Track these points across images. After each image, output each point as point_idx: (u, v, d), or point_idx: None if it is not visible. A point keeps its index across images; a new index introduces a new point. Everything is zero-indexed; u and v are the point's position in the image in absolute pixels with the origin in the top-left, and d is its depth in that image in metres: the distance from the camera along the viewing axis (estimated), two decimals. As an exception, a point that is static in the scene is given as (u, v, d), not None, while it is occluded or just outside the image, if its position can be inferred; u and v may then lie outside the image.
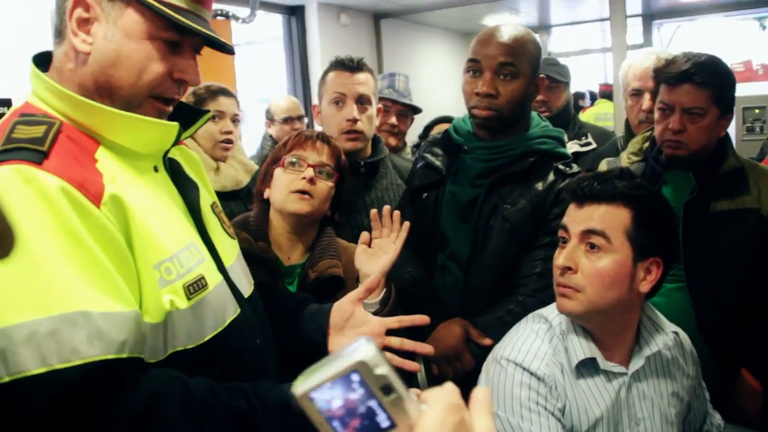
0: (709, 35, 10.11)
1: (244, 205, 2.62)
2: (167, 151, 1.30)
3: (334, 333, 1.53)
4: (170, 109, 1.24)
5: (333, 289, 1.83)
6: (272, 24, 6.73)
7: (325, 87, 2.39)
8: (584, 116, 9.17)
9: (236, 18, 5.79)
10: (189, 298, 1.17)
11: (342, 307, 1.54)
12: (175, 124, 1.22)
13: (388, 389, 0.62)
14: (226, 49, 1.28)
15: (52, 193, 1.01)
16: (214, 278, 1.25)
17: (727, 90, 2.09)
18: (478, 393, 0.70)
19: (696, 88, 2.02)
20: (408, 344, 1.52)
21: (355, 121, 2.29)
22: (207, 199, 1.41)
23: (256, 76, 7.11)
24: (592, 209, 1.54)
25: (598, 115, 7.95)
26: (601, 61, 12.11)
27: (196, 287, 1.19)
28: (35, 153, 1.04)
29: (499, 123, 1.98)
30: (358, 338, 0.63)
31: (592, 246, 1.51)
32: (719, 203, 2.07)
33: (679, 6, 9.06)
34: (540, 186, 1.96)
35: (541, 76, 2.04)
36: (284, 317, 1.59)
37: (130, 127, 1.17)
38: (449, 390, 0.67)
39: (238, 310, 1.30)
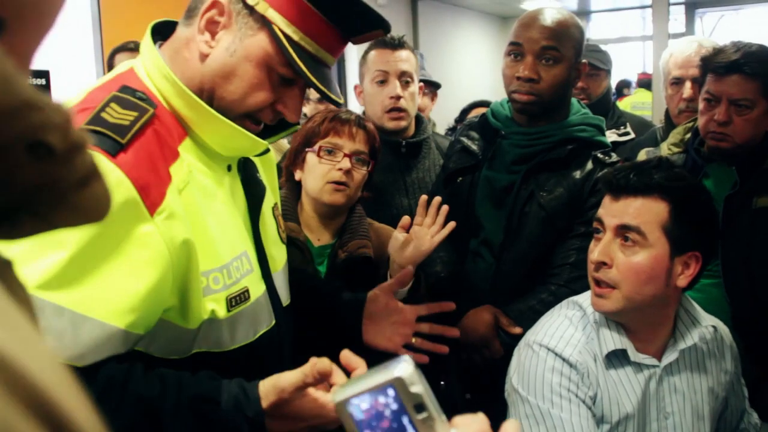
0: (754, 25, 9.89)
1: None
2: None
3: (368, 323, 1.56)
4: (258, 128, 1.24)
5: (363, 269, 1.82)
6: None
7: (366, 66, 2.38)
8: (621, 105, 9.08)
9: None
10: (229, 310, 1.17)
11: (376, 298, 1.57)
12: (264, 144, 1.22)
13: (420, 407, 0.66)
14: (334, 102, 1.27)
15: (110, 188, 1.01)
16: (257, 290, 1.25)
17: None
18: (508, 427, 0.72)
19: (745, 79, 1.97)
20: (437, 328, 1.56)
21: (398, 98, 2.29)
22: (270, 201, 1.41)
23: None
24: (628, 202, 1.49)
25: (635, 104, 7.83)
26: (640, 49, 11.93)
27: (238, 300, 1.19)
28: (113, 143, 1.02)
29: (539, 108, 1.95)
30: (399, 357, 0.68)
31: (628, 240, 1.47)
32: (761, 199, 2.02)
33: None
34: (578, 174, 1.93)
35: (583, 61, 2.00)
36: (319, 305, 1.60)
37: (223, 133, 1.17)
38: (480, 419, 0.69)
39: (273, 322, 1.30)
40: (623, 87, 10.54)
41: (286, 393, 1.07)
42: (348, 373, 1.08)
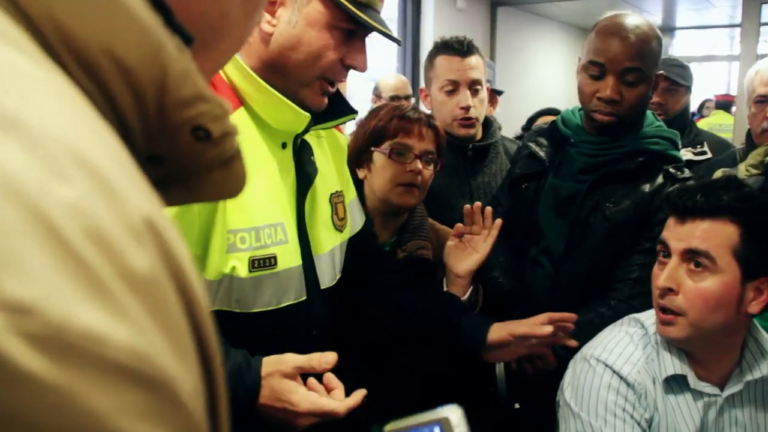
0: None
1: None
2: (302, 134, 1.35)
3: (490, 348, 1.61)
4: (334, 89, 1.32)
5: (421, 270, 1.80)
6: (387, 3, 6.73)
7: (434, 72, 2.33)
8: (698, 126, 8.81)
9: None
10: (250, 271, 1.20)
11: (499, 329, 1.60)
12: (307, 116, 1.28)
13: None
14: (395, 40, 1.36)
15: None
16: (289, 261, 1.28)
17: None
18: None
19: None
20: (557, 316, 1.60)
21: (469, 108, 2.25)
22: (329, 187, 1.45)
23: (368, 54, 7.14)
24: (695, 225, 1.41)
25: (712, 125, 7.58)
26: (724, 69, 11.58)
27: (262, 263, 1.22)
28: None
29: (619, 127, 1.89)
30: (448, 404, 0.76)
31: (697, 264, 1.39)
32: None
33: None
34: (647, 188, 1.86)
35: (659, 72, 1.91)
36: (438, 311, 1.64)
37: (270, 104, 1.25)
38: None
39: (303, 297, 1.31)
40: (703, 107, 10.25)
41: (286, 367, 1.15)
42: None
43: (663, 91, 3.04)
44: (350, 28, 1.25)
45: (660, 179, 1.87)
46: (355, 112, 1.44)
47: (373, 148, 1.84)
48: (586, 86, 1.89)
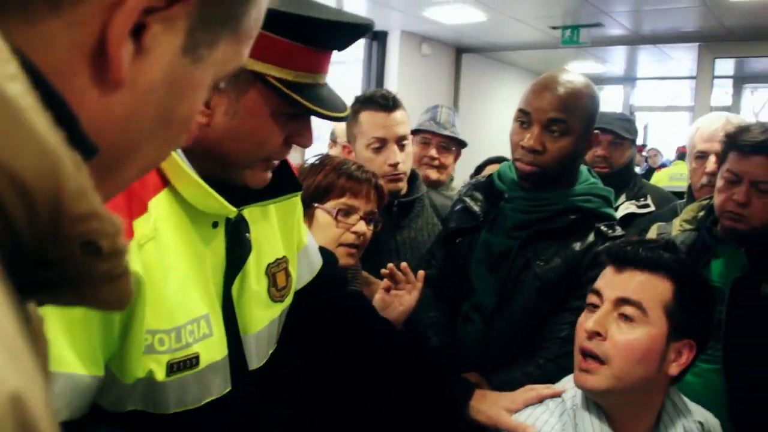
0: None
1: None
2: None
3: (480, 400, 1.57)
4: (276, 164, 1.25)
5: None
6: (354, 46, 6.81)
7: (359, 128, 2.27)
8: (659, 175, 9.01)
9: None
10: (168, 375, 1.12)
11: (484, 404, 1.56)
12: (233, 210, 1.20)
13: None
14: (340, 119, 1.28)
15: None
16: (213, 355, 1.20)
17: None
18: None
19: None
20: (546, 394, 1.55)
21: (397, 164, 2.22)
22: (267, 258, 1.37)
23: (332, 95, 7.19)
24: (632, 275, 1.42)
25: (673, 175, 7.74)
26: (686, 119, 11.84)
27: (181, 366, 1.14)
28: None
29: (541, 178, 1.89)
30: None
31: (627, 317, 1.40)
32: None
33: (775, 72, 8.77)
34: (578, 246, 1.87)
35: (595, 131, 1.94)
36: (424, 365, 1.61)
37: (195, 191, 1.15)
38: None
39: (228, 389, 1.25)
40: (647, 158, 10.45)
41: None
42: None
43: (608, 144, 3.09)
44: (294, 113, 1.19)
45: (591, 237, 1.87)
46: (300, 189, 1.38)
47: (316, 205, 1.80)
48: (514, 135, 1.91)
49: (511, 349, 1.88)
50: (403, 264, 1.77)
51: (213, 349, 1.20)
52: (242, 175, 1.21)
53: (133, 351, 1.08)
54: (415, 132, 3.00)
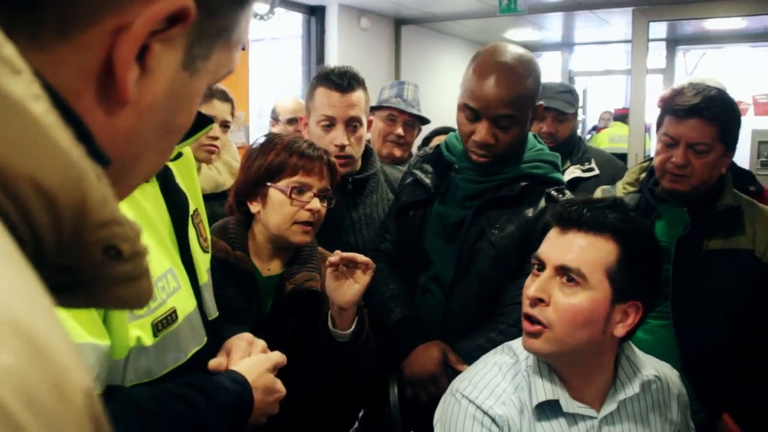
0: (735, 64, 10.02)
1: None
2: None
3: None
4: None
5: (310, 301, 1.79)
6: (291, 22, 6.72)
7: (313, 104, 2.25)
8: (599, 136, 9.19)
9: (255, 14, 5.78)
10: (155, 335, 1.11)
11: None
12: (174, 150, 1.16)
13: None
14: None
15: None
16: (186, 307, 1.20)
17: (734, 128, 2.04)
18: None
19: (704, 123, 1.97)
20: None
21: (343, 147, 2.19)
22: (190, 208, 1.34)
23: (272, 73, 7.11)
24: (576, 237, 1.42)
25: (613, 136, 7.92)
26: (622, 82, 12.05)
27: (164, 323, 1.13)
28: None
29: (494, 162, 1.92)
30: None
31: (569, 279, 1.39)
32: (712, 242, 2.02)
33: (706, 33, 8.98)
34: (530, 212, 1.90)
35: (540, 103, 1.95)
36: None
37: None
38: None
39: (204, 340, 1.25)
40: (600, 119, 10.65)
41: (269, 365, 1.32)
42: None
43: (552, 120, 3.15)
44: None
45: (542, 203, 1.91)
46: (212, 121, 1.27)
47: (269, 184, 1.80)
48: (463, 126, 1.91)
49: (472, 317, 1.91)
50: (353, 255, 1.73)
51: (185, 301, 1.20)
52: None
53: (119, 324, 1.06)
54: (380, 108, 3.00)
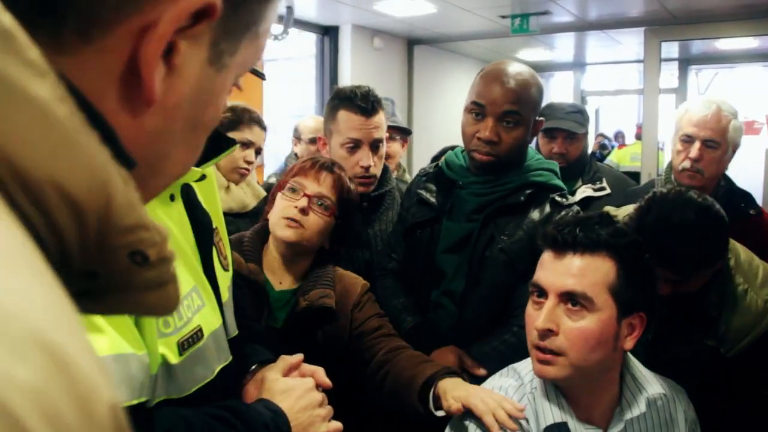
0: (747, 84, 10.02)
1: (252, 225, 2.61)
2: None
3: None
4: None
5: (323, 318, 1.80)
6: (305, 42, 6.80)
7: (336, 126, 2.29)
8: (620, 153, 9.22)
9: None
10: (181, 354, 1.11)
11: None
12: (198, 171, 1.17)
13: None
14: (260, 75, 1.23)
15: None
16: (211, 325, 1.20)
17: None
18: None
19: None
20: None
21: (368, 168, 2.24)
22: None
23: (286, 92, 7.17)
24: (573, 260, 1.40)
25: (634, 155, 7.93)
26: (634, 101, 12.07)
27: (190, 342, 1.13)
28: None
29: (497, 166, 1.98)
30: None
31: (574, 304, 1.38)
32: (680, 332, 1.93)
33: (718, 53, 8.99)
34: (536, 216, 1.95)
35: (539, 119, 2.02)
36: None
37: None
38: None
39: (229, 357, 1.26)
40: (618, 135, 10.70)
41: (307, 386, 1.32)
42: None
43: (563, 141, 3.16)
44: None
45: (548, 208, 1.97)
46: (235, 143, 1.27)
47: (278, 191, 1.89)
48: (468, 126, 1.98)
49: (485, 323, 1.94)
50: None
51: (210, 319, 1.20)
52: None
53: (150, 337, 1.06)
54: None
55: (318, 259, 1.91)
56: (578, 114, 3.28)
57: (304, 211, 1.81)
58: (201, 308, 1.18)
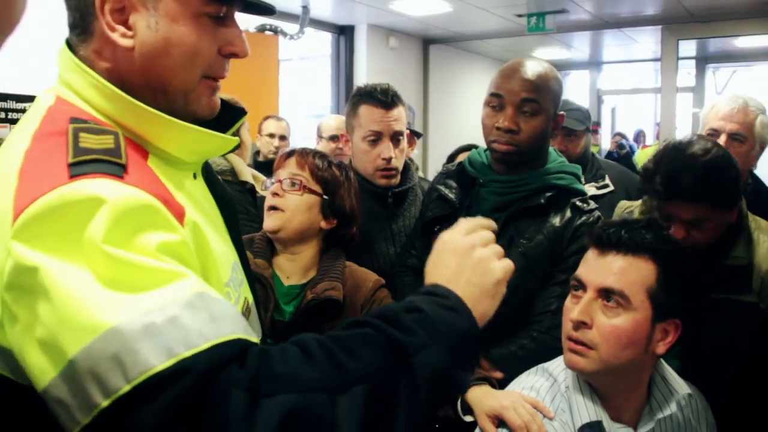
0: (765, 82, 9.93)
1: None
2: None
3: None
4: (219, 87, 1.14)
5: (331, 312, 1.81)
6: (320, 42, 6.82)
7: (357, 121, 2.35)
8: (643, 152, 9.16)
9: (284, 34, 5.86)
10: None
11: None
12: (236, 139, 1.14)
13: None
14: (269, 10, 1.17)
15: (144, 205, 0.89)
16: (251, 298, 1.19)
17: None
18: None
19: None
20: None
21: (390, 159, 2.29)
22: None
23: (301, 91, 7.19)
24: (615, 259, 1.43)
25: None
26: (654, 100, 12.00)
27: (246, 314, 1.12)
28: (115, 166, 0.90)
29: (518, 158, 1.96)
30: None
31: (611, 301, 1.41)
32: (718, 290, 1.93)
33: (736, 51, 8.93)
34: (557, 221, 1.93)
35: (561, 113, 2.02)
36: None
37: (189, 138, 1.06)
38: None
39: (262, 333, 1.26)
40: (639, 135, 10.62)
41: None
42: None
43: (563, 138, 3.16)
44: (217, 12, 1.06)
45: (568, 213, 1.94)
46: (245, 111, 1.26)
47: None
48: (487, 119, 1.97)
49: (504, 326, 1.92)
50: None
51: (248, 293, 1.20)
52: (187, 102, 1.08)
53: None
54: None
55: (327, 250, 1.94)
56: (577, 111, 3.29)
57: (277, 195, 1.87)
58: (242, 282, 1.18)
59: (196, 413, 0.78)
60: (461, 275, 1.02)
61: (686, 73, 9.14)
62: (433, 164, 6.88)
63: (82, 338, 0.78)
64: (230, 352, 0.83)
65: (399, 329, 0.88)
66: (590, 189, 3.02)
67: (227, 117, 1.20)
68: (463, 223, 1.09)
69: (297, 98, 7.32)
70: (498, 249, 1.07)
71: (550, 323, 1.87)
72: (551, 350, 1.66)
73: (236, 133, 1.24)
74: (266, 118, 4.48)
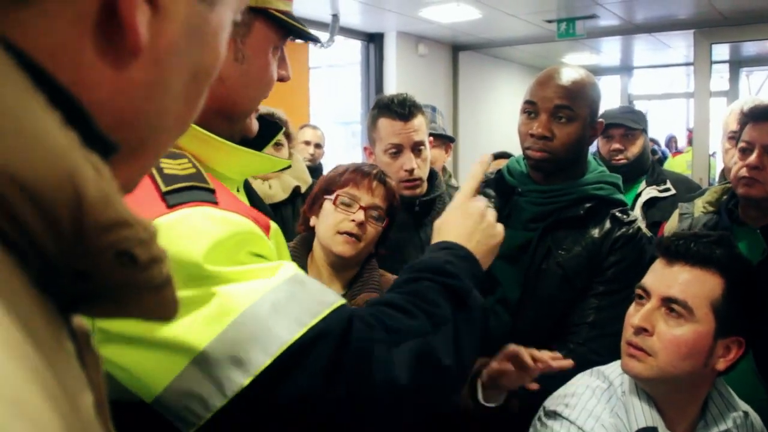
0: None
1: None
2: None
3: None
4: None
5: None
6: (350, 49, 6.84)
7: (377, 134, 2.36)
8: (674, 161, 9.04)
9: (315, 42, 5.89)
10: None
11: None
12: (288, 162, 1.22)
13: None
14: (316, 40, 1.24)
15: (245, 230, 0.95)
16: None
17: None
18: None
19: None
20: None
21: (413, 170, 2.30)
22: None
23: (331, 99, 7.23)
24: (682, 270, 1.43)
25: (690, 162, 7.75)
26: (686, 105, 11.86)
27: None
28: (206, 192, 0.94)
29: (553, 165, 1.94)
30: None
31: (673, 311, 1.41)
32: None
33: (770, 54, 8.79)
34: (596, 233, 1.91)
35: (600, 120, 1.99)
36: None
37: (245, 162, 1.09)
38: None
39: None
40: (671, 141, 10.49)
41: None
42: None
43: (621, 137, 3.22)
44: (284, 44, 1.11)
45: (608, 224, 1.92)
46: (280, 128, 1.29)
47: (325, 196, 1.87)
48: (523, 126, 1.96)
49: (539, 336, 1.90)
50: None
51: None
52: (244, 126, 1.12)
53: None
54: None
55: (363, 264, 1.92)
56: (631, 113, 3.38)
57: (361, 225, 1.82)
58: None
59: (340, 369, 0.89)
60: (473, 236, 1.23)
61: (719, 77, 9.03)
62: (463, 171, 6.86)
63: (214, 327, 0.85)
64: (348, 313, 0.95)
65: (450, 278, 1.08)
66: (652, 192, 3.13)
67: (264, 131, 1.22)
68: (469, 183, 1.36)
69: (327, 106, 7.35)
70: (494, 213, 1.31)
71: (587, 335, 1.86)
72: (587, 363, 1.65)
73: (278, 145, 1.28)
74: (302, 126, 4.56)
